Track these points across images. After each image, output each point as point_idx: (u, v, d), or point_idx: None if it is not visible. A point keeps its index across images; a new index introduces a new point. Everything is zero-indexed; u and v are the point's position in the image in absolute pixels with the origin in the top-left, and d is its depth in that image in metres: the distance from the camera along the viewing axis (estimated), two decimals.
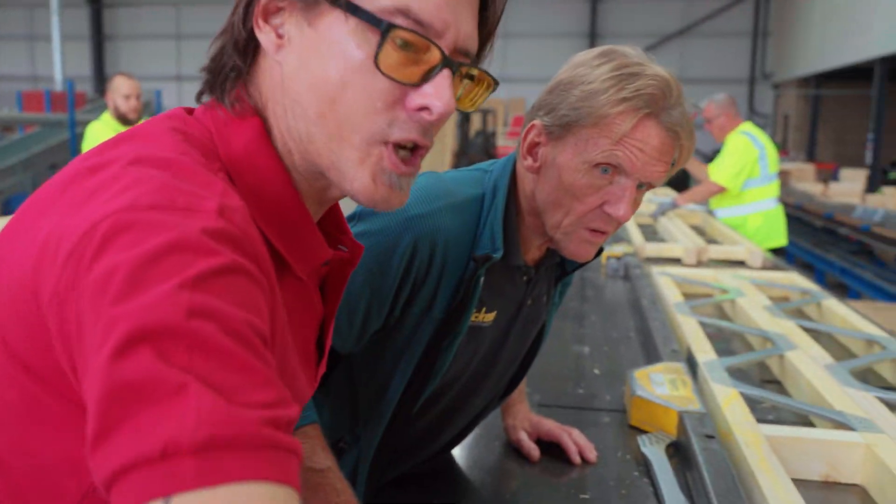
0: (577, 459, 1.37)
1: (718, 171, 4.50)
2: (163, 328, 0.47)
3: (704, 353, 1.78)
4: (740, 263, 3.31)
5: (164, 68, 27.57)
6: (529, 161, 1.09)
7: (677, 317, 2.12)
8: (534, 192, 1.10)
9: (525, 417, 1.45)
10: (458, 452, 1.42)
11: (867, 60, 15.55)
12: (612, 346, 2.13)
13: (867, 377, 1.81)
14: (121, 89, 4.01)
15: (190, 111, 0.72)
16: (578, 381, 1.81)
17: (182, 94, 26.64)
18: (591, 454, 1.38)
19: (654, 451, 1.38)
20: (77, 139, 8.19)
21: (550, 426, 1.43)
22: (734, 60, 24.80)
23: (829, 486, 1.30)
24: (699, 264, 3.28)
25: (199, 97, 0.71)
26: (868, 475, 1.28)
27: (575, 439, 1.39)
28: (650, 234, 4.12)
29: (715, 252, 3.41)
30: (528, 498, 1.28)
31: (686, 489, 1.25)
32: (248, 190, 0.66)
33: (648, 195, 5.35)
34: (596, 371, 1.89)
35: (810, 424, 1.49)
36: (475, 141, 11.65)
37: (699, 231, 4.26)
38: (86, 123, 5.74)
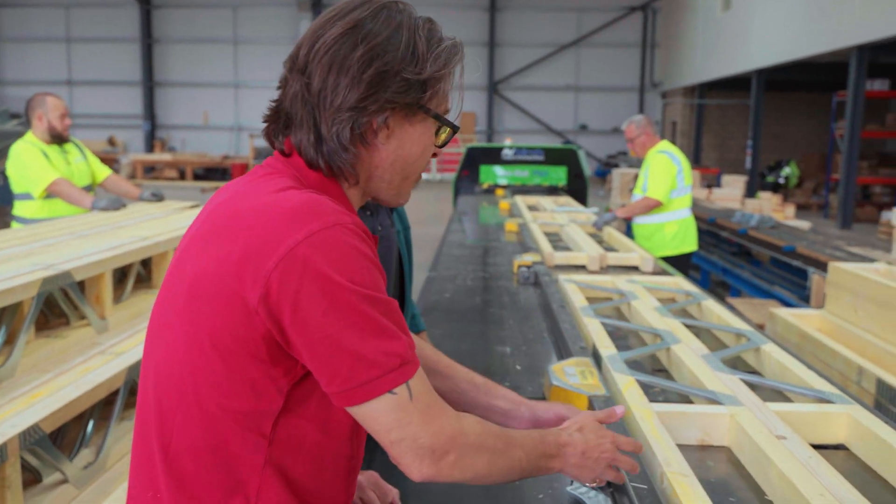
0: None
1: (654, 190, 5.15)
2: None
3: (606, 348, 2.14)
4: (634, 269, 3.73)
5: (53, 72, 26.50)
6: None
7: (583, 318, 2.48)
8: None
9: None
10: None
11: (745, 72, 16.75)
12: (529, 345, 2.48)
13: (736, 364, 2.22)
14: (57, 109, 4.15)
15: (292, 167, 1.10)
16: (504, 377, 2.13)
17: (73, 99, 25.69)
18: None
19: None
20: None
21: None
22: (625, 70, 26.02)
23: (704, 448, 1.67)
24: (601, 270, 3.68)
25: (311, 163, 1.08)
26: (732, 438, 1.66)
27: None
28: (556, 242, 4.52)
29: (613, 259, 3.82)
30: None
31: None
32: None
33: (588, 210, 5.93)
34: (518, 367, 2.23)
35: (690, 402, 1.86)
36: None
37: (597, 239, 4.70)
38: None
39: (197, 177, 22.37)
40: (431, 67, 1.05)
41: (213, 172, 22.79)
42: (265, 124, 1.11)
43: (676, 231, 5.21)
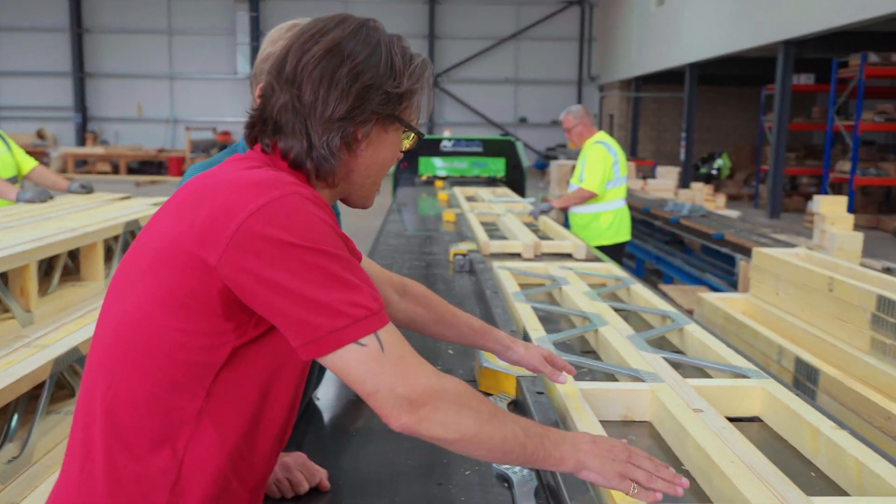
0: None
1: (589, 180, 5.21)
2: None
3: (536, 331, 2.19)
4: (568, 256, 3.81)
5: None
6: None
7: (514, 303, 2.53)
8: None
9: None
10: (332, 413, 1.74)
11: (679, 66, 17.14)
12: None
13: (661, 344, 2.29)
14: None
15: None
16: (436, 360, 2.16)
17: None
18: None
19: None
20: None
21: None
22: (563, 63, 26.34)
23: (626, 423, 1.73)
24: (535, 258, 3.74)
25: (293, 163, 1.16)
26: (653, 414, 1.72)
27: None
28: (492, 231, 4.57)
29: (547, 247, 3.89)
30: (398, 446, 1.61)
31: None
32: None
33: (525, 200, 5.98)
34: (450, 351, 2.26)
35: (615, 380, 1.92)
36: None
37: (533, 228, 4.76)
38: None
39: (131, 171, 21.83)
40: (408, 82, 1.17)
41: (148, 166, 22.28)
42: (247, 129, 1.21)
43: (611, 221, 5.31)
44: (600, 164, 5.22)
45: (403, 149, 1.25)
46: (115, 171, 21.58)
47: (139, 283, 1.07)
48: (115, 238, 3.73)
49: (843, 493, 1.41)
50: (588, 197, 5.27)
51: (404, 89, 1.17)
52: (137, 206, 4.32)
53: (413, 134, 1.24)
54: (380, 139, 1.19)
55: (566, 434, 1.18)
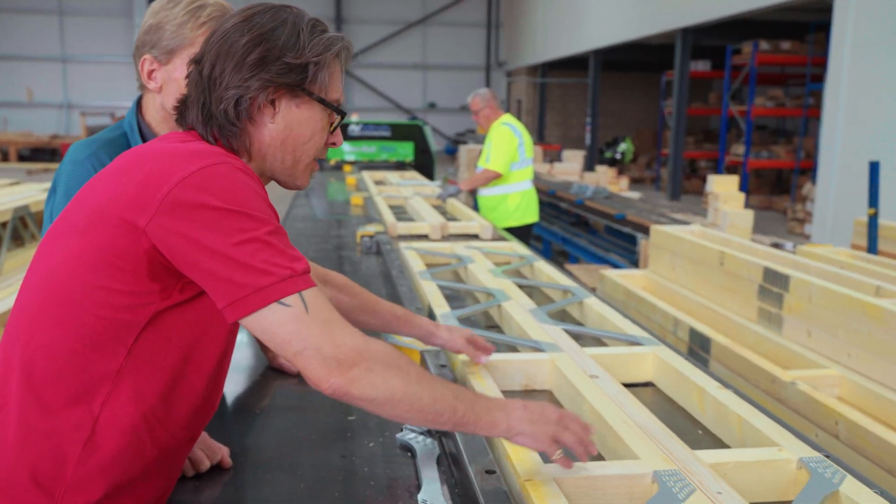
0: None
1: (494, 161, 5.25)
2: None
3: (441, 307, 2.22)
4: (475, 236, 3.86)
5: None
6: (153, 84, 1.56)
7: (420, 282, 2.55)
8: (162, 105, 1.57)
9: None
10: (237, 392, 1.73)
11: (583, 52, 17.51)
12: None
13: (562, 317, 2.37)
14: None
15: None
16: None
17: None
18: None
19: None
20: None
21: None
22: (471, 49, 26.49)
23: (528, 392, 1.78)
24: (442, 238, 3.77)
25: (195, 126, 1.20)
26: (553, 382, 1.77)
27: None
28: (400, 214, 4.58)
29: (454, 228, 3.93)
30: (302, 422, 1.61)
31: None
32: None
33: (433, 184, 5.99)
34: None
35: (517, 351, 1.97)
36: None
37: (441, 210, 4.80)
38: None
39: (22, 158, 20.72)
40: (310, 53, 1.18)
41: (41, 153, 21.19)
42: (175, 113, 1.23)
43: (519, 202, 5.36)
44: (506, 146, 5.27)
45: (331, 129, 1.26)
46: (5, 158, 20.45)
47: (68, 244, 1.08)
48: (3, 224, 3.56)
49: (726, 447, 1.49)
50: (493, 177, 5.30)
51: (305, 60, 1.18)
52: (27, 191, 4.13)
53: (335, 113, 1.25)
54: (290, 113, 1.20)
55: (498, 400, 1.20)
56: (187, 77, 1.22)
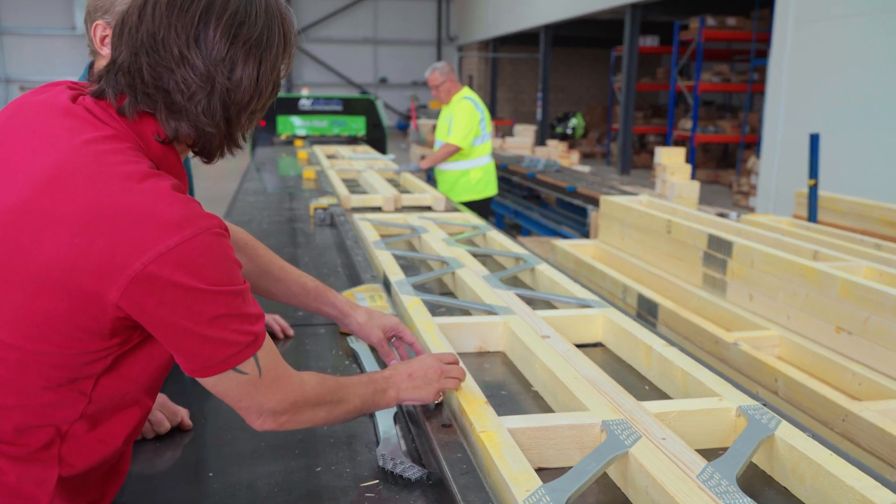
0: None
1: (456, 136, 5.20)
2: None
3: (395, 275, 2.25)
4: (428, 208, 3.89)
5: None
6: (106, 50, 1.53)
7: (374, 251, 2.58)
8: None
9: None
10: None
11: (534, 27, 17.55)
12: (323, 278, 2.53)
13: (514, 283, 2.42)
14: None
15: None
16: (296, 309, 2.18)
17: None
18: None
19: (360, 346, 1.82)
20: None
21: None
22: (422, 24, 26.30)
23: (482, 354, 1.82)
24: (396, 211, 3.80)
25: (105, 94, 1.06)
26: (506, 344, 1.82)
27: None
28: (354, 187, 4.58)
29: (408, 200, 3.95)
30: None
31: (383, 366, 1.69)
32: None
33: (386, 157, 5.94)
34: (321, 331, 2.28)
35: (470, 315, 2.02)
36: None
37: (394, 183, 4.81)
38: None
39: None
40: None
41: None
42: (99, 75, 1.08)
43: (480, 177, 5.37)
44: (469, 121, 5.22)
45: None
46: None
47: (9, 300, 0.97)
48: None
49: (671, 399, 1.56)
50: (454, 152, 5.26)
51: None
52: None
53: None
54: None
55: (388, 377, 1.33)
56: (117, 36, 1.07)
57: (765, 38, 11.62)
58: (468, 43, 23.32)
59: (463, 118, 5.23)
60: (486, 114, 5.41)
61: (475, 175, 5.36)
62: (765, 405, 1.39)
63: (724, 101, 17.38)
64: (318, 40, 25.65)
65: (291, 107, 8.66)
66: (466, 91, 5.40)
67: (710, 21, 12.53)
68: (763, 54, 11.90)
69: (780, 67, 8.96)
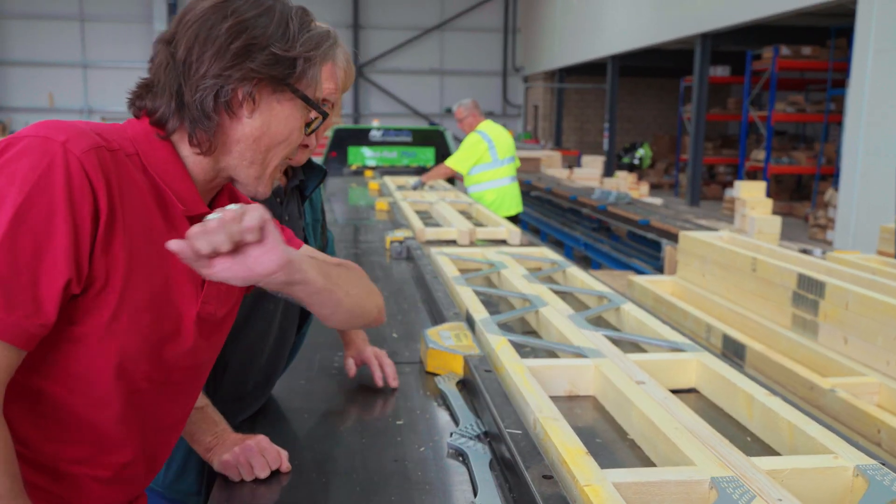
0: (379, 383, 1.79)
1: (453, 161, 6.19)
2: None
3: (479, 313, 2.23)
4: (503, 242, 3.86)
5: None
6: None
7: (455, 287, 2.56)
8: None
9: (355, 348, 1.86)
10: (287, 395, 1.74)
11: (601, 58, 17.47)
12: (404, 314, 2.53)
13: (598, 322, 2.36)
14: None
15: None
16: (381, 344, 2.16)
17: None
18: (394, 381, 1.81)
19: (448, 386, 1.79)
20: None
21: (367, 354, 1.83)
22: (488, 54, 26.47)
23: (572, 398, 1.78)
24: (470, 244, 3.79)
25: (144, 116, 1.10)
26: (597, 388, 1.78)
27: (382, 364, 1.83)
28: (426, 219, 4.59)
29: (482, 233, 3.94)
30: (352, 426, 1.62)
31: (473, 409, 1.67)
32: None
33: (459, 194, 6.40)
34: (394, 335, 2.28)
35: (557, 357, 1.97)
36: None
37: (467, 216, 4.81)
38: None
39: None
40: (301, 47, 1.09)
41: None
42: (130, 97, 1.11)
43: (494, 198, 6.02)
44: (469, 150, 6.01)
45: (308, 131, 1.17)
46: None
47: None
48: None
49: (777, 454, 1.49)
50: (449, 173, 6.21)
51: (296, 54, 1.08)
52: None
53: (316, 113, 1.16)
54: (270, 108, 1.09)
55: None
56: (154, 59, 1.10)
57: (842, 68, 11.31)
58: (534, 73, 23.35)
59: (466, 149, 6.06)
60: (500, 141, 6.10)
61: (489, 196, 6.03)
62: (883, 464, 1.31)
63: (796, 132, 16.95)
64: (384, 71, 26.06)
65: (362, 138, 8.79)
66: (483, 125, 6.17)
67: (785, 51, 12.27)
68: (840, 84, 11.58)
69: (859, 97, 8.69)
